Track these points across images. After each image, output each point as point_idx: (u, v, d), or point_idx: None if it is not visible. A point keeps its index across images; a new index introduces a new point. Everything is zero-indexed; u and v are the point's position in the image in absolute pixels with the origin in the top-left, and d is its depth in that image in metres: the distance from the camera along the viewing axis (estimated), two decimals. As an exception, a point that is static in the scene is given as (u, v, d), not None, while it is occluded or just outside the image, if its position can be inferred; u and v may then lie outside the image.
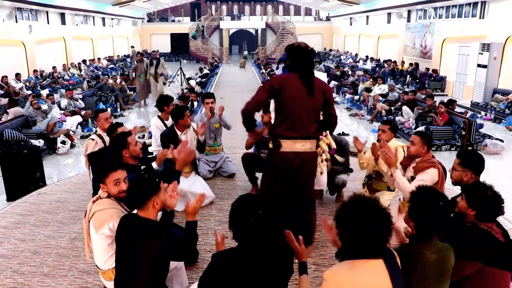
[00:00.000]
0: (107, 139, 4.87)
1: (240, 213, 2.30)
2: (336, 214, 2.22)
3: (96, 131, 5.11)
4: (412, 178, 3.84)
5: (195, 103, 11.41)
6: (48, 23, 19.94)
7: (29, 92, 14.11)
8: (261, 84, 3.96)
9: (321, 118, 3.91)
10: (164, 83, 14.31)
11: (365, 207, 2.13)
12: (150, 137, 8.39)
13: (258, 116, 4.02)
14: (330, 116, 3.79)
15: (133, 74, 14.18)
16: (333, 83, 16.64)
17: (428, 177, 3.68)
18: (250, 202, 2.33)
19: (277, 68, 6.75)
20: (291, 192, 3.84)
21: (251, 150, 5.74)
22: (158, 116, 6.03)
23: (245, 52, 36.94)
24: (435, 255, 2.40)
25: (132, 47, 30.61)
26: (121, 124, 4.69)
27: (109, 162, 3.28)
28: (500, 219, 4.47)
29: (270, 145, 3.76)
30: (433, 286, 2.44)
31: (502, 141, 8.81)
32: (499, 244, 2.64)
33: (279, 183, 3.75)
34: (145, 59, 14.40)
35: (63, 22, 21.46)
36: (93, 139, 4.89)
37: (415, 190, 2.54)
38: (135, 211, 2.75)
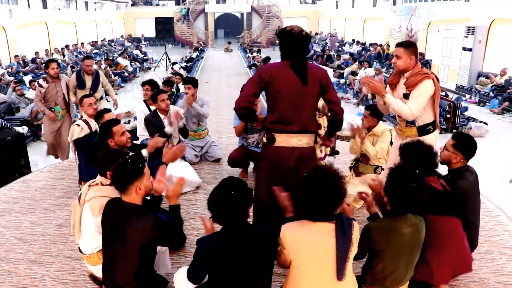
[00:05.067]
0: (92, 124, 4.83)
1: (215, 194, 2.38)
2: (296, 183, 2.39)
3: (81, 116, 5.05)
4: (404, 96, 3.65)
5: (180, 86, 11.28)
6: (29, 7, 19.52)
7: (11, 78, 13.85)
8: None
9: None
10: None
11: (319, 178, 2.29)
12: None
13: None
14: (330, 104, 3.32)
15: (39, 106, 6.45)
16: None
17: (424, 91, 3.51)
18: (226, 183, 2.40)
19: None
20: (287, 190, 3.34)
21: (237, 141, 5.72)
22: (144, 101, 6.00)
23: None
24: (410, 229, 2.57)
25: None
26: (108, 110, 4.63)
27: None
28: (483, 200, 4.57)
29: (264, 139, 3.44)
30: (405, 256, 2.62)
31: (486, 124, 8.92)
32: (440, 193, 2.86)
33: (273, 180, 3.29)
34: (63, 74, 6.86)
35: (45, 6, 21.03)
36: (78, 125, 4.84)
37: (392, 168, 2.66)
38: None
